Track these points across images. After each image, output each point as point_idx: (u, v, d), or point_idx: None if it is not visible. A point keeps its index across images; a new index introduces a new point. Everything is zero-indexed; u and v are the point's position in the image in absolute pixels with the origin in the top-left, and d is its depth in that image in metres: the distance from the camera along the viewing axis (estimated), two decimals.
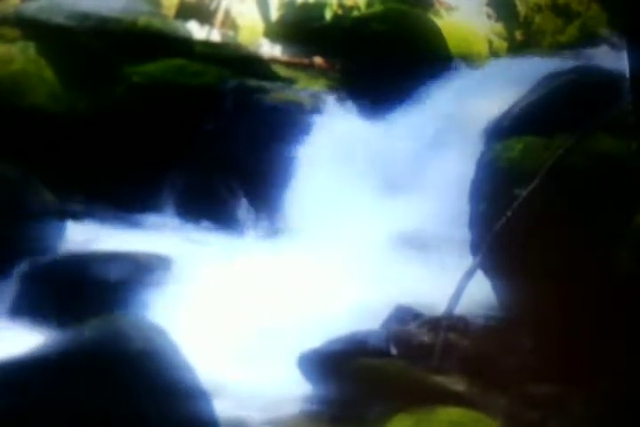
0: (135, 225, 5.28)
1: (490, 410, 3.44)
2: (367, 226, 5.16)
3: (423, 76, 5.81)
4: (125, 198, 5.45)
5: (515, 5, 7.09)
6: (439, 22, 6.64)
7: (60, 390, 3.11)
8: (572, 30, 6.84)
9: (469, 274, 4.08)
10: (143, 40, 6.09)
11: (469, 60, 6.46)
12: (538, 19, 6.98)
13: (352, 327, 4.00)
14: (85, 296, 4.40)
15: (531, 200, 4.03)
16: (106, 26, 6.07)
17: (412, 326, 4.01)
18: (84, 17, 6.07)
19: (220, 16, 7.03)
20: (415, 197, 5.23)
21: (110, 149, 5.73)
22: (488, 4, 7.13)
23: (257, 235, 5.48)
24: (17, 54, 5.84)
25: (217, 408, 3.31)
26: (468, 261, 4.22)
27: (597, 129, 4.19)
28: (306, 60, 6.73)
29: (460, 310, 4.01)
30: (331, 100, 5.90)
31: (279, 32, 7.03)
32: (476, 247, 4.26)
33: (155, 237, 5.08)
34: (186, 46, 6.26)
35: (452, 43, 6.46)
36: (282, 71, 6.50)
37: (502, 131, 4.76)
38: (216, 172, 5.70)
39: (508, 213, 4.04)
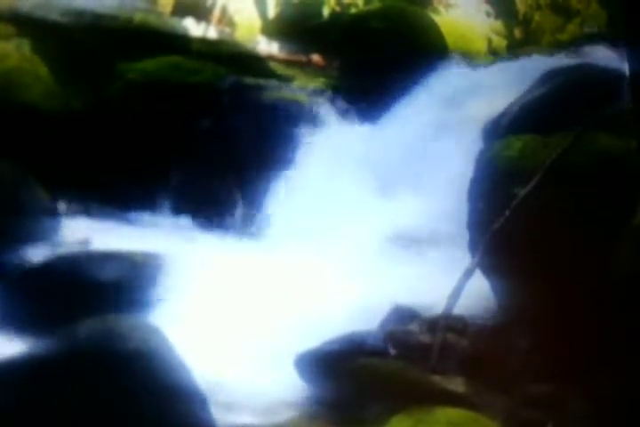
0: (131, 223, 5.26)
1: (488, 410, 3.44)
2: (365, 225, 5.14)
3: (421, 74, 5.79)
4: (121, 197, 5.43)
5: (514, 3, 7.07)
6: (438, 20, 6.61)
7: (56, 391, 3.10)
8: (571, 28, 6.83)
9: (468, 274, 4.07)
10: (139, 37, 6.06)
11: (468, 57, 6.43)
12: (537, 17, 6.96)
13: (350, 328, 3.99)
14: (81, 296, 4.38)
15: (529, 199, 4.02)
16: (101, 23, 6.05)
17: (410, 327, 4.00)
18: (80, 14, 6.04)
19: (216, 13, 7.00)
20: (413, 196, 5.22)
21: (106, 146, 5.70)
22: (487, 2, 7.11)
23: (254, 233, 5.46)
24: (12, 51, 5.82)
25: (213, 409, 3.30)
26: (466, 260, 4.21)
27: (596, 127, 4.18)
28: (303, 58, 6.70)
29: (458, 309, 3.99)
30: (328, 98, 5.88)
31: (276, 29, 7.00)
32: (474, 247, 4.24)
33: (151, 235, 5.06)
34: (182, 43, 6.24)
35: (451, 40, 6.43)
36: (279, 69, 6.48)
37: (501, 129, 4.75)
38: (212, 170, 5.68)
39: (507, 213, 4.02)
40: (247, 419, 3.60)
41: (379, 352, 3.86)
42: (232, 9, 7.04)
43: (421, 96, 5.71)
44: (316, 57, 6.72)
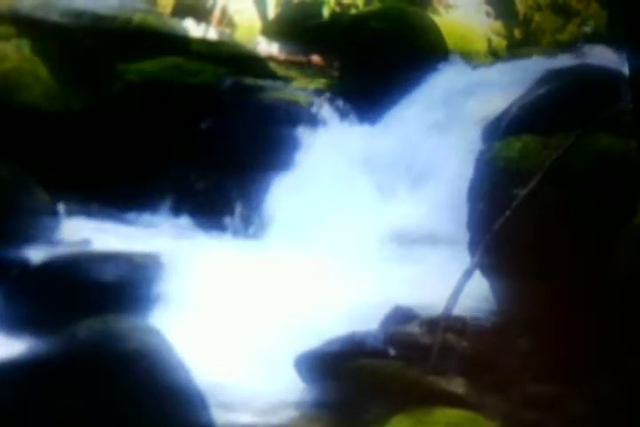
0: (130, 224, 5.25)
1: (488, 411, 3.43)
2: (365, 225, 5.14)
3: (421, 75, 5.79)
4: (120, 197, 5.42)
5: (514, 3, 7.07)
6: (438, 20, 6.61)
7: (55, 392, 3.09)
8: (571, 29, 6.83)
9: (468, 274, 4.06)
10: (139, 38, 6.06)
11: (468, 58, 6.43)
12: (537, 17, 6.96)
13: (350, 328, 3.98)
14: (80, 296, 4.38)
15: (529, 200, 4.01)
16: (101, 23, 6.04)
17: (410, 327, 3.99)
18: (79, 14, 6.04)
19: (216, 14, 7.00)
20: (413, 197, 5.22)
21: (105, 147, 5.70)
22: (487, 2, 7.11)
23: (253, 234, 5.46)
24: (11, 52, 5.82)
25: (213, 410, 3.29)
26: (466, 260, 4.20)
27: (597, 128, 4.17)
28: (303, 59, 6.70)
29: (458, 310, 3.98)
30: (328, 99, 5.88)
31: (276, 30, 7.00)
32: (474, 247, 4.23)
33: (150, 236, 5.06)
34: (182, 44, 6.23)
35: (451, 41, 6.43)
36: (279, 70, 6.47)
37: (501, 130, 4.74)
38: (212, 171, 5.67)
39: (507, 213, 4.02)
40: (246, 419, 3.60)
41: (378, 353, 3.86)
42: (232, 10, 7.03)
43: (421, 97, 5.70)
44: (315, 58, 6.72)
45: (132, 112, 5.76)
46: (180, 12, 6.87)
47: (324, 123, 5.72)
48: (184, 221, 5.47)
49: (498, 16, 7.07)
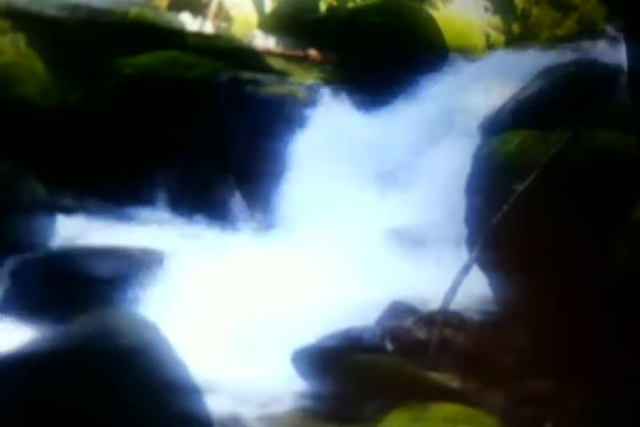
0: (128, 220, 5.25)
1: (486, 406, 3.43)
2: (363, 221, 5.13)
3: (419, 69, 5.78)
4: (118, 193, 5.42)
5: None
6: (435, 14, 6.60)
7: (51, 387, 3.08)
8: (569, 23, 6.83)
9: (465, 269, 4.06)
10: (135, 32, 6.05)
11: (466, 52, 6.43)
12: (535, 12, 6.96)
13: (347, 323, 3.98)
14: (77, 292, 4.37)
15: (527, 194, 4.01)
16: (97, 17, 6.03)
17: (408, 322, 4.00)
18: (76, 9, 6.03)
19: (213, 8, 6.98)
20: (411, 192, 5.21)
21: (102, 142, 5.69)
22: None
23: (251, 229, 5.45)
24: (7, 46, 5.80)
25: (210, 404, 3.29)
26: (464, 256, 4.20)
27: (595, 123, 4.17)
28: (300, 53, 6.68)
29: (455, 305, 3.99)
30: (325, 93, 5.86)
31: (273, 24, 6.98)
32: (472, 242, 4.24)
33: (148, 231, 5.05)
34: (179, 38, 6.22)
35: (449, 35, 6.42)
36: (276, 64, 6.46)
37: (499, 124, 4.73)
38: (209, 165, 5.66)
39: (505, 208, 4.02)
40: (244, 414, 3.60)
41: (376, 348, 3.86)
42: (228, 3, 7.02)
43: (419, 91, 5.70)
44: (312, 52, 6.70)
45: (129, 106, 5.75)
46: (177, 5, 6.85)
47: (322, 117, 5.71)
48: (182, 216, 5.46)
49: (496, 11, 7.06)
